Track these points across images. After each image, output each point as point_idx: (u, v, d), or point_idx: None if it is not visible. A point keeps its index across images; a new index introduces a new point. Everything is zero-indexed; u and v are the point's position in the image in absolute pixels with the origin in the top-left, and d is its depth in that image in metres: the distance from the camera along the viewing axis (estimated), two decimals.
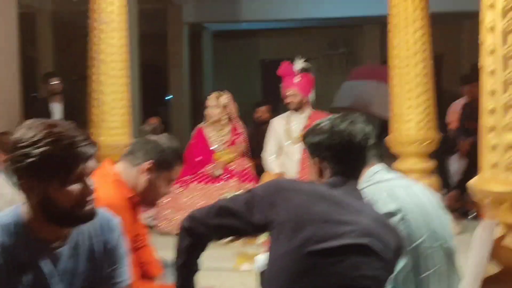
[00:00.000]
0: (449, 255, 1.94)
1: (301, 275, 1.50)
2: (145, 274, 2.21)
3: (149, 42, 8.61)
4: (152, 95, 9.32)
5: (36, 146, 1.33)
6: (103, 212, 1.56)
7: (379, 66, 7.63)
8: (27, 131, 1.36)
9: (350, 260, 1.51)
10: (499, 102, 2.03)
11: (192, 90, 10.06)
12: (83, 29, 5.74)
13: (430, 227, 1.92)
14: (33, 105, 6.39)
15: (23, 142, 1.34)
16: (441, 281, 1.91)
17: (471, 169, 4.88)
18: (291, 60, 4.71)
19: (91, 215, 1.44)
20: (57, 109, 5.87)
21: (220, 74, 11.25)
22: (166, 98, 10.24)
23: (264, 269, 1.64)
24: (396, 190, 1.95)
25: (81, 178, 1.39)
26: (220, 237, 1.72)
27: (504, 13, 2.00)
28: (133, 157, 2.08)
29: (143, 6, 7.16)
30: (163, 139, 2.12)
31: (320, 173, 1.71)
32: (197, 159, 4.71)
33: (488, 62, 2.04)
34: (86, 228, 1.52)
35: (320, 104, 5.06)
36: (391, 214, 1.85)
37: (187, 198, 4.50)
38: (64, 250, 1.47)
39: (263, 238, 3.91)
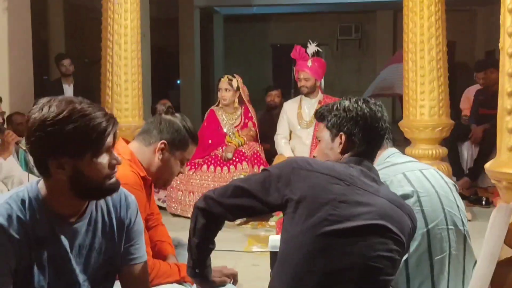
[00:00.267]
0: (464, 238, 1.94)
1: (316, 255, 1.50)
2: (158, 253, 2.22)
3: (160, 26, 8.60)
4: (163, 78, 9.32)
5: (67, 122, 1.33)
6: (120, 189, 1.57)
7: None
8: (50, 108, 1.34)
9: (366, 240, 1.51)
10: None
11: (202, 74, 10.05)
12: (94, 11, 5.74)
13: (445, 210, 1.92)
14: (44, 87, 6.42)
15: (50, 120, 1.33)
16: (456, 263, 1.91)
17: (483, 157, 4.85)
18: (302, 45, 4.69)
19: (116, 187, 1.46)
20: (68, 90, 5.90)
21: (230, 58, 11.22)
22: (177, 82, 10.23)
23: (276, 249, 1.64)
24: (411, 173, 1.95)
25: (108, 150, 1.41)
26: (235, 217, 1.71)
27: None
28: (147, 136, 2.08)
29: None
30: (177, 119, 2.11)
31: (343, 149, 1.70)
32: (209, 142, 4.71)
33: (508, 43, 2.02)
34: (103, 204, 1.53)
35: (333, 89, 5.04)
36: (407, 196, 1.86)
37: (198, 181, 4.51)
38: (82, 226, 1.48)
39: (274, 220, 3.93)
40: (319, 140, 1.79)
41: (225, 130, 4.79)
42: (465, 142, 5.31)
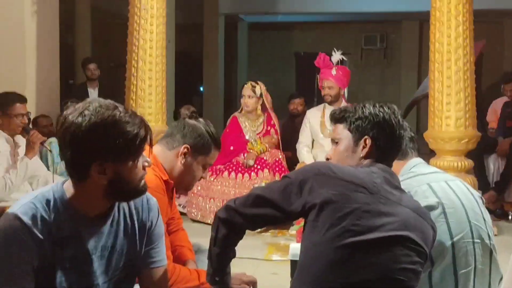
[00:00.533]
0: (490, 252, 1.89)
1: (338, 265, 1.48)
2: (177, 258, 2.21)
3: (185, 32, 8.65)
4: (186, 84, 9.37)
5: (113, 128, 1.35)
6: None
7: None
8: (86, 116, 1.34)
9: (390, 252, 1.48)
10: None
11: (226, 81, 10.08)
12: (120, 17, 5.80)
13: (471, 223, 1.87)
14: (70, 91, 6.50)
15: (98, 125, 1.34)
16: (481, 278, 1.86)
17: (510, 170, 4.76)
18: (326, 54, 4.67)
19: (146, 188, 1.48)
20: (93, 95, 5.97)
21: (254, 65, 11.23)
22: (201, 88, 10.28)
23: (297, 258, 1.62)
24: (436, 183, 1.91)
25: (141, 154, 1.44)
26: (256, 226, 1.71)
27: None
28: (170, 140, 2.08)
29: None
30: (201, 124, 2.11)
31: (367, 154, 1.67)
32: (230, 148, 4.71)
33: None
34: (125, 205, 1.54)
35: (356, 99, 4.99)
36: (432, 208, 1.81)
37: (219, 187, 4.51)
38: (105, 227, 1.49)
39: (295, 229, 3.90)
40: (336, 142, 1.75)
41: (247, 137, 4.78)
42: (491, 155, 5.20)
